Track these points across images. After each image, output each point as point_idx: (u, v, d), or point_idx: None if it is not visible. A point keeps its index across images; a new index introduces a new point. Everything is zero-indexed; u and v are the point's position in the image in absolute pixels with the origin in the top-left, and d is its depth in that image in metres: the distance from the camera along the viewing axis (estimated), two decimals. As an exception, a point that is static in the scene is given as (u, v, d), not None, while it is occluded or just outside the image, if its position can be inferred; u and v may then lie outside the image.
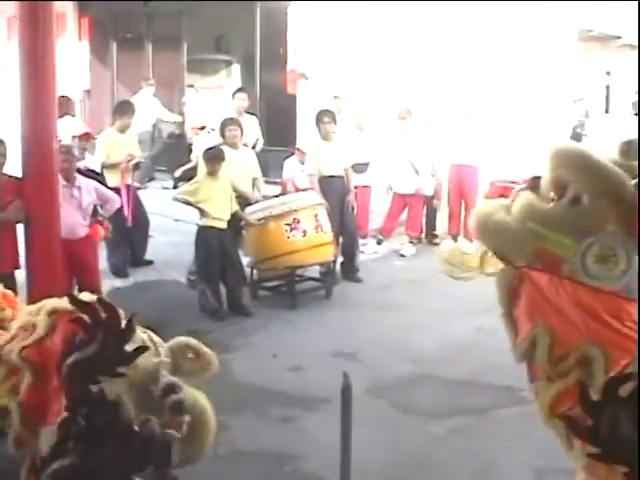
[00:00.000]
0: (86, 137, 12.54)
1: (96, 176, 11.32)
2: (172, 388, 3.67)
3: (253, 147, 13.15)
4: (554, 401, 3.59)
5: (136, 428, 3.51)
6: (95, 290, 7.15)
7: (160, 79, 19.57)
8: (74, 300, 3.95)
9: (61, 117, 14.91)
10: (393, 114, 14.83)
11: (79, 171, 10.04)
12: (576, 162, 3.75)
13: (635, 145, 3.78)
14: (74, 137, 12.17)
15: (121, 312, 3.74)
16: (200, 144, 13.46)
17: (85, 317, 3.62)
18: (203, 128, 14.57)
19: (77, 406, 3.56)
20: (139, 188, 14.02)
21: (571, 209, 3.65)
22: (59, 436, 3.66)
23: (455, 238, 15.00)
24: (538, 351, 3.62)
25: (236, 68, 20.88)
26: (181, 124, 19.48)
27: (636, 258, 3.40)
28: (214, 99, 18.66)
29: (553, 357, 3.58)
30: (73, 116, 14.51)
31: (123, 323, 3.64)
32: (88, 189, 9.66)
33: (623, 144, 3.85)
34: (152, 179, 18.30)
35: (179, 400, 3.63)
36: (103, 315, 3.59)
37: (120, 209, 11.08)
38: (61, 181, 8.72)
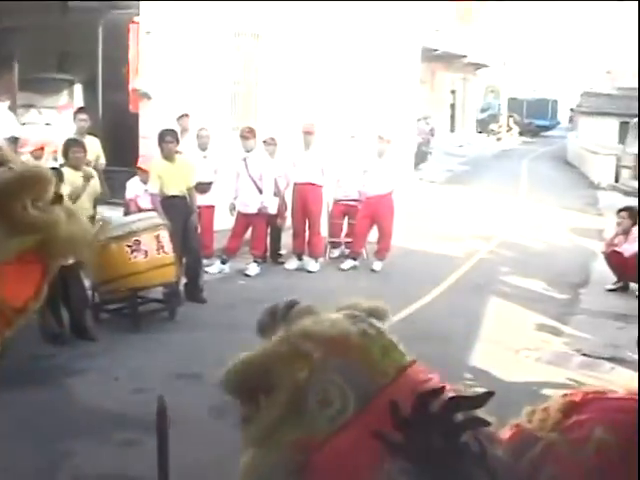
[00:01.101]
0: None
1: None
2: None
3: (95, 167, 12.95)
4: None
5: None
6: None
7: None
8: None
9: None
10: (236, 133, 14.88)
11: None
12: None
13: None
14: None
15: None
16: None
17: None
18: (42, 149, 14.23)
19: None
20: None
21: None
22: None
23: (300, 257, 15.12)
24: None
25: (78, 88, 20.57)
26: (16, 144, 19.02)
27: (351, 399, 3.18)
28: (56, 119, 18.36)
29: None
30: None
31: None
32: None
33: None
34: None
35: None
36: None
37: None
38: None
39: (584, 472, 2.89)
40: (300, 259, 15.15)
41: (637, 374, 9.29)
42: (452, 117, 51.69)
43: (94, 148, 13.45)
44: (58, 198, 4.00)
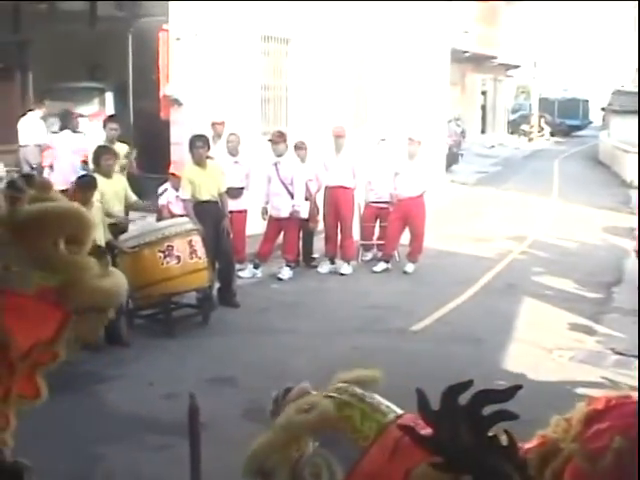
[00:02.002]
0: None
1: None
2: None
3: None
4: None
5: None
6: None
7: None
8: None
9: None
10: (266, 137, 14.90)
11: None
12: None
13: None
14: None
15: None
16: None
17: None
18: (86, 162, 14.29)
19: None
20: None
21: None
22: None
23: (332, 260, 15.12)
24: None
25: (109, 95, 20.73)
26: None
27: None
28: (87, 127, 18.48)
29: None
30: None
31: None
32: None
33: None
34: None
35: None
36: None
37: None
38: None
39: None
40: (333, 262, 15.16)
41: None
42: (483, 118, 51.52)
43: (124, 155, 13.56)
44: (97, 252, 4.00)
